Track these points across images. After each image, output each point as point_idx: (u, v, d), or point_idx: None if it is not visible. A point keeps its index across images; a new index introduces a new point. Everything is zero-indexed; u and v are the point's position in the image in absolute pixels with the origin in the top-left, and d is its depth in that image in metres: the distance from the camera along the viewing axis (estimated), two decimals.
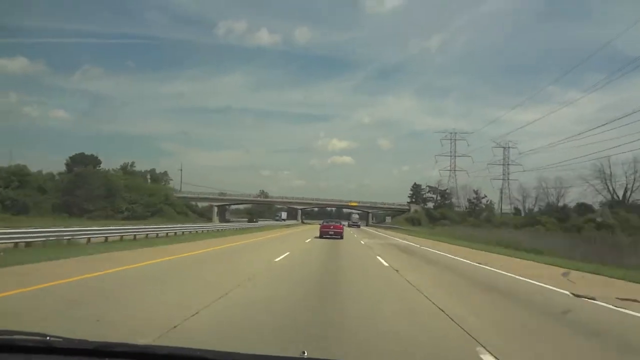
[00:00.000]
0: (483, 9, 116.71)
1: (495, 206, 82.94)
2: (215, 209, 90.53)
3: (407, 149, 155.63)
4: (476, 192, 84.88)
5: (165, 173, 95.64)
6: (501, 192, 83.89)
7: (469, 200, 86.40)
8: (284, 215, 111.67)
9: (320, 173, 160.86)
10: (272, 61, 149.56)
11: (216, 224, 54.17)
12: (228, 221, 74.08)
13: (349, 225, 72.18)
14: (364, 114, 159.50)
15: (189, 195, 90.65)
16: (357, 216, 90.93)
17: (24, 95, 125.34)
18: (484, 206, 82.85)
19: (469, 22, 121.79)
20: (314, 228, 41.46)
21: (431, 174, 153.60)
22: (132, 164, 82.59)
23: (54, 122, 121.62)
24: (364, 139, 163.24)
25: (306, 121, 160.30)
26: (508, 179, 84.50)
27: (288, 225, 69.91)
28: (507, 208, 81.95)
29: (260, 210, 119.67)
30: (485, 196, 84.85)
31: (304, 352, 2.26)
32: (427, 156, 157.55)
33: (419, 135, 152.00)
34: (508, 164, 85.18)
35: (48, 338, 2.00)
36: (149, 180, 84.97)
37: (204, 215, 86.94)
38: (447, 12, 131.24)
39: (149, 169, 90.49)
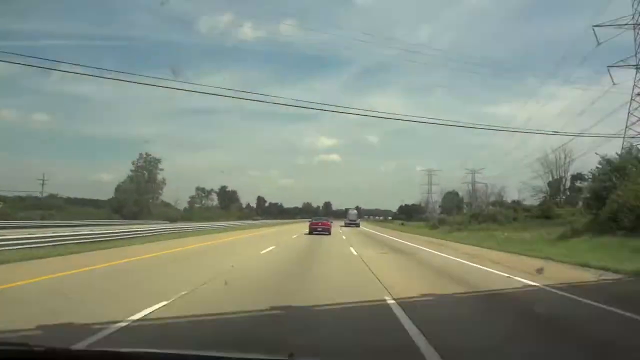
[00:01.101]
0: (469, 3, 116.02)
1: None
2: None
3: (395, 146, 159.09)
4: None
5: None
6: None
7: None
8: None
9: (308, 172, 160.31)
10: (257, 60, 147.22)
11: None
12: None
13: (346, 225, 60.22)
14: (351, 112, 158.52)
15: None
16: (355, 212, 70.33)
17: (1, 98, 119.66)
18: None
19: (455, 17, 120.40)
20: None
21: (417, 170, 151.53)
22: None
23: (35, 125, 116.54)
24: (351, 136, 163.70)
25: (293, 120, 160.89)
26: None
27: None
28: None
29: None
30: None
31: (292, 355, 2.15)
32: (415, 152, 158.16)
33: (406, 131, 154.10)
34: None
35: (31, 347, 2.01)
36: None
37: None
38: (433, 8, 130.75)
39: None
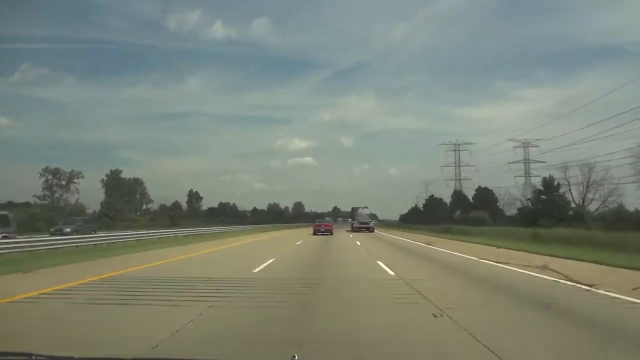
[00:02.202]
0: (441, 6, 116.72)
1: None
2: None
3: (368, 148, 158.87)
4: None
5: None
6: None
7: None
8: None
9: (281, 175, 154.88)
10: (230, 64, 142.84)
11: None
12: None
13: (355, 229, 47.59)
14: (325, 115, 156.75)
15: None
16: (367, 212, 52.81)
17: None
18: None
19: (427, 20, 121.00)
20: None
21: (391, 172, 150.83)
22: None
23: None
24: (324, 139, 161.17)
25: (266, 123, 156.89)
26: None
27: None
28: None
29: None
30: None
31: (294, 357, 2.26)
32: (388, 154, 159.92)
33: (379, 134, 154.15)
34: None
35: (33, 357, 1.96)
36: None
37: None
38: (406, 11, 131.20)
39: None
